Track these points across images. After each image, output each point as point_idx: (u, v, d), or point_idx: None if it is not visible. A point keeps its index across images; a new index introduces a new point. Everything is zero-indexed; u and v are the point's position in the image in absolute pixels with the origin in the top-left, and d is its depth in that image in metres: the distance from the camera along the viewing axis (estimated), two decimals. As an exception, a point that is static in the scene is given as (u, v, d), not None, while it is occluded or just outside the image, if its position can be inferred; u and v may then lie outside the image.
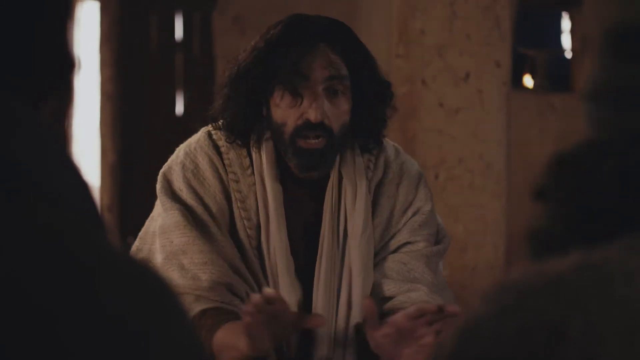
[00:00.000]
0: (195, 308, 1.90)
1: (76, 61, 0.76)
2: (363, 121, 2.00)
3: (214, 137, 2.04)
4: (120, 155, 6.31)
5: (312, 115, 1.91)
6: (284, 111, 1.94)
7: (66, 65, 0.75)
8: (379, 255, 2.05)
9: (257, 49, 1.95)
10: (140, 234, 2.07)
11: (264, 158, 1.99)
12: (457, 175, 3.66)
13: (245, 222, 1.99)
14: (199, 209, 1.98)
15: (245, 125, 1.99)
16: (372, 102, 1.99)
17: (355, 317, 1.99)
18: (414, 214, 2.06)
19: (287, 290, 1.96)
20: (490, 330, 0.70)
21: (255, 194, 1.99)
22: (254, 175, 2.00)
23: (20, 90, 0.71)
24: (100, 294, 0.63)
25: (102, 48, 6.24)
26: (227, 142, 2.02)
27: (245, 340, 1.79)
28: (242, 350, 1.81)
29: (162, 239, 1.98)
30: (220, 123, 2.03)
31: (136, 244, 2.06)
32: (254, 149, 2.01)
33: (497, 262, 3.83)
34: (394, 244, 2.05)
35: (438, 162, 3.57)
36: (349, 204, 2.01)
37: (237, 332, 1.83)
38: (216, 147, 2.03)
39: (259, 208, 1.99)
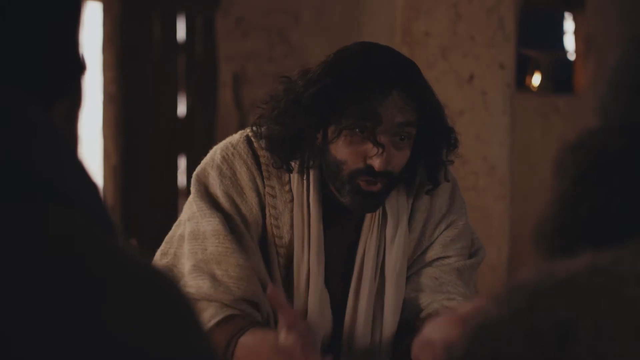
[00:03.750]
0: (220, 313, 1.85)
1: (85, 64, 0.76)
2: (423, 164, 1.95)
3: (254, 145, 1.96)
4: (122, 157, 6.30)
5: (377, 164, 1.84)
6: (347, 150, 1.86)
7: (76, 68, 0.76)
8: (411, 268, 2.01)
9: (323, 82, 1.86)
10: (167, 237, 2.00)
11: (311, 185, 1.93)
12: (460, 177, 3.64)
13: (277, 239, 1.94)
14: (237, 219, 1.91)
15: (291, 151, 1.91)
16: (434, 148, 1.94)
17: (385, 348, 1.97)
18: (447, 227, 2.02)
19: (316, 321, 1.91)
20: (502, 330, 0.70)
21: (291, 211, 1.93)
22: (291, 192, 1.94)
23: (35, 92, 0.71)
24: (112, 302, 0.63)
25: (105, 50, 6.24)
26: (273, 166, 1.93)
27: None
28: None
29: (193, 244, 1.91)
30: (261, 133, 1.94)
31: (162, 247, 1.99)
32: (297, 173, 1.93)
33: (501, 264, 3.83)
34: (427, 258, 2.01)
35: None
36: (389, 238, 1.97)
37: (272, 342, 1.78)
38: (255, 157, 1.95)
39: (294, 230, 1.93)
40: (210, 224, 1.90)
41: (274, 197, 1.94)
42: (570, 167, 0.82)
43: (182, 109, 6.43)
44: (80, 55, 0.76)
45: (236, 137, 1.99)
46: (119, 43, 6.28)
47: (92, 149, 6.18)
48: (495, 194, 3.78)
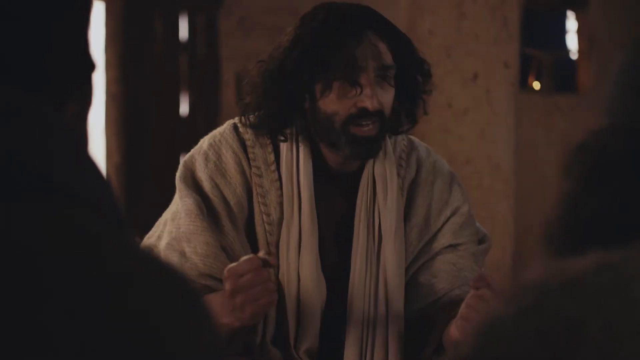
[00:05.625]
0: None
1: (94, 63, 0.77)
2: (406, 104, 2.01)
3: (240, 130, 2.03)
4: (125, 156, 6.31)
5: (370, 104, 1.91)
6: (335, 101, 1.93)
7: (83, 67, 0.76)
8: (421, 258, 2.06)
9: (300, 42, 1.93)
10: (156, 223, 2.07)
11: (300, 152, 1.99)
12: (465, 176, 3.66)
13: (265, 216, 1.99)
14: (215, 200, 1.98)
15: (285, 120, 1.98)
16: (415, 86, 2.01)
17: (394, 319, 2.00)
18: (453, 215, 2.07)
19: (312, 288, 1.97)
20: (509, 330, 0.70)
21: (277, 190, 2.00)
22: (277, 171, 2.01)
23: (46, 92, 0.71)
24: (134, 300, 0.63)
25: (107, 49, 6.24)
26: (263, 134, 2.01)
27: (229, 312, 1.80)
28: (227, 323, 1.82)
29: (171, 225, 1.99)
30: (250, 120, 2.02)
31: (150, 232, 2.06)
32: (290, 143, 2.01)
33: (505, 263, 3.83)
34: (436, 247, 2.06)
35: (446, 162, 3.58)
36: (381, 200, 2.02)
37: (218, 302, 1.82)
38: (241, 141, 2.02)
39: (284, 203, 1.99)
40: (185, 204, 1.97)
41: (260, 176, 2.00)
42: (577, 168, 0.82)
43: (184, 108, 6.42)
44: (88, 54, 0.76)
45: (223, 126, 2.08)
46: (122, 42, 6.28)
47: (94, 148, 6.18)
48: (499, 193, 3.78)
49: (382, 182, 2.02)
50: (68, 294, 0.61)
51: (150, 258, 0.67)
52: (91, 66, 0.76)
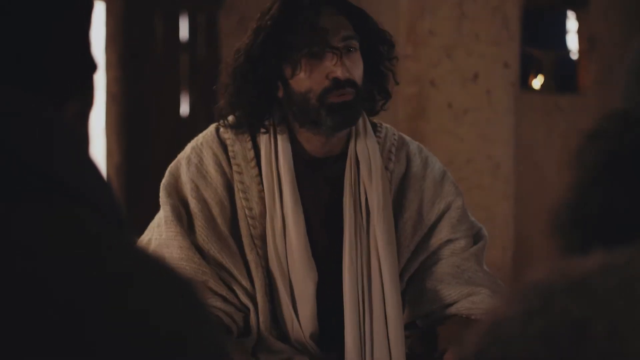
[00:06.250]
0: None
1: (95, 64, 0.77)
2: (375, 78, 2.05)
3: (221, 131, 2.10)
4: (125, 156, 6.31)
5: (340, 73, 1.95)
6: (307, 78, 1.97)
7: (87, 67, 0.76)
8: (420, 254, 2.10)
9: (264, 30, 1.98)
10: (149, 226, 2.15)
11: (279, 141, 2.04)
12: (465, 176, 3.65)
13: (247, 211, 2.05)
14: (193, 202, 2.05)
15: (263, 113, 2.03)
16: (380, 56, 2.05)
17: (390, 296, 2.03)
18: (448, 209, 2.11)
19: (302, 272, 2.01)
20: (515, 330, 0.70)
21: (258, 184, 2.05)
22: (257, 167, 2.06)
23: (46, 92, 0.71)
24: (134, 300, 0.63)
25: (108, 49, 6.24)
26: (243, 132, 2.06)
27: None
28: None
29: (157, 231, 2.08)
30: (229, 120, 2.07)
31: (143, 235, 2.14)
32: (268, 136, 2.05)
33: (506, 263, 3.83)
34: (435, 242, 2.10)
35: (446, 162, 3.57)
36: (366, 178, 2.05)
37: None
38: (222, 141, 2.09)
39: (266, 194, 2.04)
40: (164, 211, 2.07)
41: (240, 173, 2.07)
42: (588, 157, 0.81)
43: (184, 108, 6.42)
44: (89, 54, 0.76)
45: (207, 129, 2.15)
46: (122, 42, 6.28)
47: (95, 148, 6.18)
48: (499, 193, 3.78)
49: (365, 161, 2.06)
50: (68, 294, 0.61)
51: (150, 258, 0.67)
52: (92, 66, 0.76)
